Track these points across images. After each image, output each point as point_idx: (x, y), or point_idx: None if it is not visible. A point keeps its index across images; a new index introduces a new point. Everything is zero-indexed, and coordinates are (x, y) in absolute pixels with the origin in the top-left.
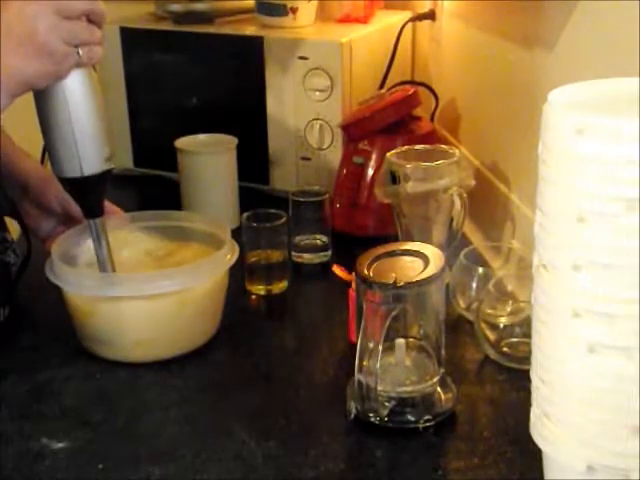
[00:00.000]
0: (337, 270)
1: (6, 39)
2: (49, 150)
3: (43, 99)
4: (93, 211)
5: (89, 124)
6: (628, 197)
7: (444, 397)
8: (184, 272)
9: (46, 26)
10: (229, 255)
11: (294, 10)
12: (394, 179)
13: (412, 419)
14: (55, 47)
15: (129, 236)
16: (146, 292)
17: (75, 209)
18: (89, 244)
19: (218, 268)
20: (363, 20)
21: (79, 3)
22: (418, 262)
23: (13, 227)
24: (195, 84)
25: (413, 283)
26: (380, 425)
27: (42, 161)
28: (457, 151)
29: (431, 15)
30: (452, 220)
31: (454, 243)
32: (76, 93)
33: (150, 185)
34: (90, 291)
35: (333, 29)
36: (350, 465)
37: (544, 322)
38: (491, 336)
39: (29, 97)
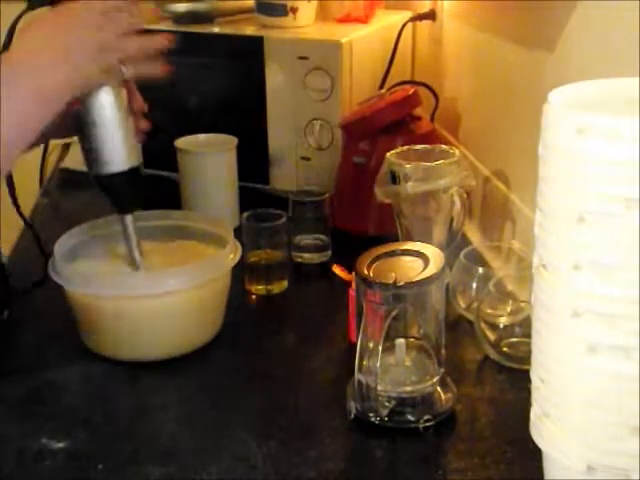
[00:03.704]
0: (337, 270)
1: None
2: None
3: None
4: (123, 208)
5: (114, 123)
6: (628, 197)
7: (444, 397)
8: (187, 271)
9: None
10: (232, 254)
11: (294, 10)
12: (394, 179)
13: (412, 419)
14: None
15: None
16: (149, 291)
17: None
18: (93, 243)
19: (221, 267)
20: (363, 20)
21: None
22: (418, 262)
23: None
24: (195, 84)
25: (413, 283)
26: (380, 425)
27: (44, 158)
28: (457, 151)
29: (431, 15)
30: (452, 220)
31: (454, 243)
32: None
33: (150, 185)
34: (93, 290)
35: (333, 29)
36: (350, 465)
37: (544, 322)
38: (491, 336)
39: None
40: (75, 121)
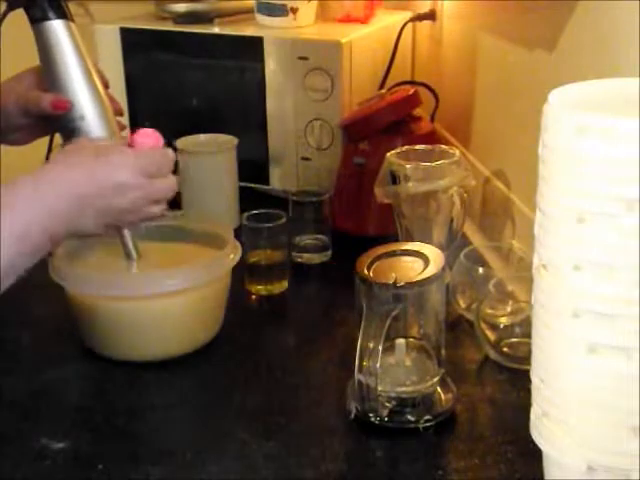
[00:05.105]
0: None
1: (93, 201)
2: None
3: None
4: None
5: (101, 115)
6: (628, 197)
7: (444, 397)
8: (187, 272)
9: (132, 210)
10: (232, 255)
11: (294, 10)
12: (394, 179)
13: (412, 419)
14: (127, 226)
15: None
16: (149, 292)
17: (32, 100)
18: (93, 243)
19: (221, 267)
20: (363, 20)
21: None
22: (418, 262)
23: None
24: (195, 84)
25: (413, 283)
26: (380, 425)
27: (47, 159)
28: (457, 151)
29: (431, 15)
30: (452, 220)
31: (454, 243)
32: None
33: None
34: (93, 290)
35: (333, 29)
36: (350, 465)
37: (544, 322)
38: (491, 336)
39: None
40: (58, 120)
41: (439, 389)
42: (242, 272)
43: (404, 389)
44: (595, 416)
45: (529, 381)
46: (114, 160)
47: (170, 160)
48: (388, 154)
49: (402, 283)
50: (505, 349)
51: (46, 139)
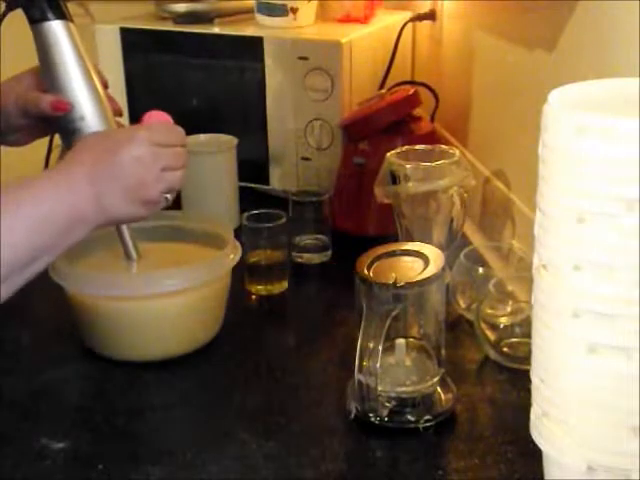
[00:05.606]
0: None
1: (115, 180)
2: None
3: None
4: None
5: (101, 115)
6: (628, 197)
7: (444, 397)
8: (187, 272)
9: (153, 179)
10: (232, 255)
11: (294, 10)
12: (394, 179)
13: (412, 419)
14: (155, 199)
15: None
16: (149, 292)
17: (31, 101)
18: (93, 243)
19: (221, 267)
20: (363, 20)
21: (180, 160)
22: (418, 262)
23: None
24: (195, 84)
25: (413, 283)
26: (380, 425)
27: (47, 162)
28: (457, 151)
29: (431, 15)
30: (452, 220)
31: (454, 243)
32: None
33: None
34: (93, 290)
35: (333, 29)
36: (350, 465)
37: (544, 322)
38: (491, 336)
39: None
40: (58, 121)
41: (439, 389)
42: (242, 272)
43: (404, 389)
44: (595, 416)
45: (529, 381)
46: (118, 137)
47: (177, 132)
48: (388, 154)
49: (402, 283)
50: (505, 349)
51: (46, 139)
